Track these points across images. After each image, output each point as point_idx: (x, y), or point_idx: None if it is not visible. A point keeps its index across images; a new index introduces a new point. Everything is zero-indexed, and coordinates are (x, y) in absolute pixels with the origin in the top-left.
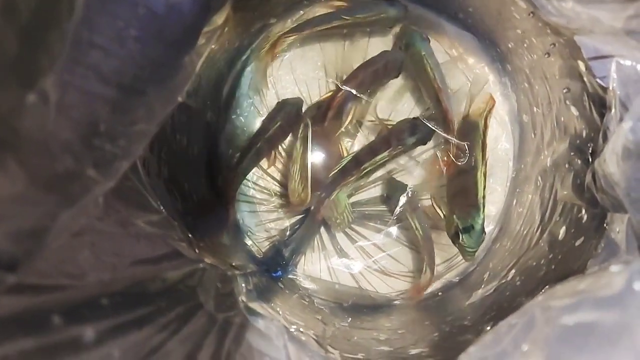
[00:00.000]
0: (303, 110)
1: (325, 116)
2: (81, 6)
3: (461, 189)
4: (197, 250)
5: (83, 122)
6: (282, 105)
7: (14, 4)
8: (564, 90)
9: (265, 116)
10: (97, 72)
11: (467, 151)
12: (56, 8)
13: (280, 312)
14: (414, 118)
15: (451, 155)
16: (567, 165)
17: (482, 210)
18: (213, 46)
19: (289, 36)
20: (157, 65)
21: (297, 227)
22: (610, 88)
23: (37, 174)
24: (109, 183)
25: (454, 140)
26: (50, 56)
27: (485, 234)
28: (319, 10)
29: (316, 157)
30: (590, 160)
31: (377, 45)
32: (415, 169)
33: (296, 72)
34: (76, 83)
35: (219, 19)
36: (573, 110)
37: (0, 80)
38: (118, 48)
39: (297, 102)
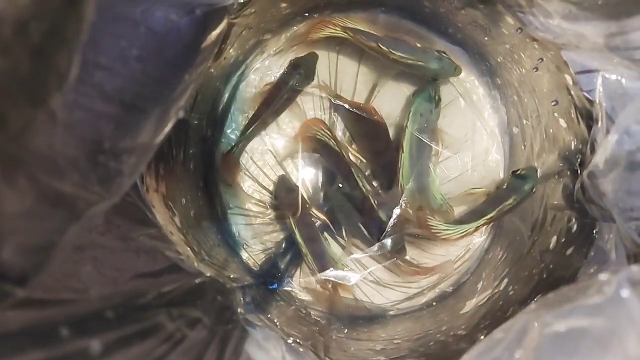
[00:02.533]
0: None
1: None
2: (88, 28)
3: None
4: (196, 264)
5: (88, 140)
6: (293, 71)
7: (27, 27)
8: (552, 103)
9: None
10: (101, 91)
11: None
12: (65, 31)
13: (278, 324)
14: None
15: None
16: (556, 176)
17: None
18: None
19: (329, 28)
20: (157, 83)
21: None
22: (597, 101)
23: (45, 190)
24: (113, 199)
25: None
26: (58, 76)
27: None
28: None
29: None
30: (578, 171)
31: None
32: None
33: None
34: (82, 102)
35: (216, 36)
36: (561, 122)
37: (12, 99)
38: (121, 67)
39: (309, 65)
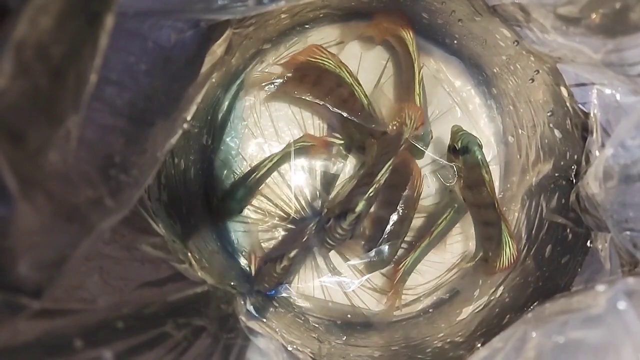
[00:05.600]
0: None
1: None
2: (104, 48)
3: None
4: (199, 272)
5: (100, 154)
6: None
7: (47, 49)
8: (548, 114)
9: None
10: (112, 105)
11: None
12: (83, 52)
13: (278, 331)
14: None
15: None
16: (552, 186)
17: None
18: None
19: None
20: (164, 96)
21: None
22: (592, 114)
23: (60, 205)
24: (123, 211)
25: None
26: (75, 96)
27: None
28: (312, 35)
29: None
30: (574, 181)
31: None
32: None
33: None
34: (94, 117)
35: (219, 48)
36: (557, 133)
37: (32, 119)
38: (130, 82)
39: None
